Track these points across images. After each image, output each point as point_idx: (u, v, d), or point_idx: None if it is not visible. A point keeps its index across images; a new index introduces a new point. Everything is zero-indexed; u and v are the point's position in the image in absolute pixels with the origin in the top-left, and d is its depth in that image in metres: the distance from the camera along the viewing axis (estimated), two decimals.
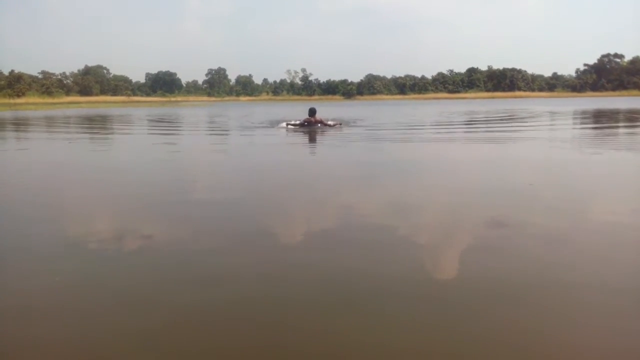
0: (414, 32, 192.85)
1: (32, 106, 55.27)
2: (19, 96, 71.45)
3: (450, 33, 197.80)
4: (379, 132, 14.14)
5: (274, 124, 17.75)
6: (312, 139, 11.89)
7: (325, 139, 11.80)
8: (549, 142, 10.63)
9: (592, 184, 5.88)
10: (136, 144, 12.63)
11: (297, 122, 14.97)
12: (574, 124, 18.35)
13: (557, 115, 23.24)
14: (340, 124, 15.53)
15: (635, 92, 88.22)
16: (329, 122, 14.95)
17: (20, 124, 21.42)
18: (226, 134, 14.87)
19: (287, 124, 14.99)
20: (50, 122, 22.70)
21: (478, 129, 15.75)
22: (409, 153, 9.32)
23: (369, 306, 2.48)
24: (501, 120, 20.35)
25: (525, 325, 2.29)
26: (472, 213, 4.39)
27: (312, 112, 14.74)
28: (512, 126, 16.49)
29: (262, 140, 12.39)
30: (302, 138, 12.20)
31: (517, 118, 21.24)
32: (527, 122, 18.57)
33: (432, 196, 5.24)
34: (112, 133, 16.27)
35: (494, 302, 2.55)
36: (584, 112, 26.57)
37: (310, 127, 14.34)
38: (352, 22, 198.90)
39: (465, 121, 20.09)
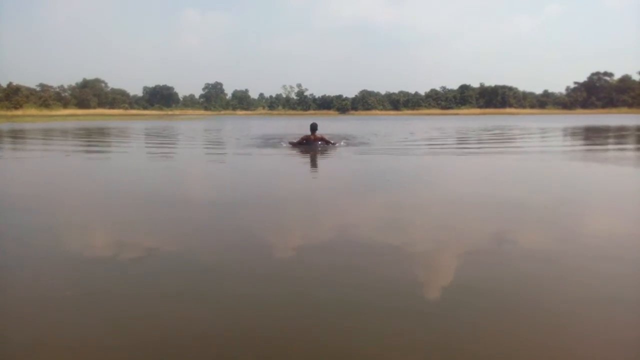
0: (408, 49, 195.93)
1: (29, 118, 55.77)
2: (16, 108, 72.07)
3: (444, 51, 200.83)
4: (400, 151, 13.12)
5: (269, 140, 16.82)
6: (313, 160, 10.62)
7: (328, 158, 10.97)
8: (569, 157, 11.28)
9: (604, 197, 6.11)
10: (136, 157, 12.82)
11: (295, 140, 13.76)
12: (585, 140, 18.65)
13: (558, 132, 23.51)
14: (345, 143, 14.10)
15: (624, 109, 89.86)
16: (332, 141, 13.60)
17: (17, 136, 21.62)
18: (222, 154, 13.55)
19: (289, 142, 13.89)
20: (48, 135, 22.96)
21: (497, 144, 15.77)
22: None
23: (358, 320, 2.52)
24: (520, 136, 20.26)
25: (517, 339, 2.34)
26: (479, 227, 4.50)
27: (313, 128, 13.15)
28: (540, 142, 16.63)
29: (259, 162, 10.78)
30: (300, 158, 11.09)
31: (536, 135, 21.16)
32: (547, 139, 18.78)
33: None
34: (110, 146, 16.44)
35: (487, 315, 2.59)
36: (586, 129, 26.74)
37: (310, 145, 12.88)
38: (347, 39, 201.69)
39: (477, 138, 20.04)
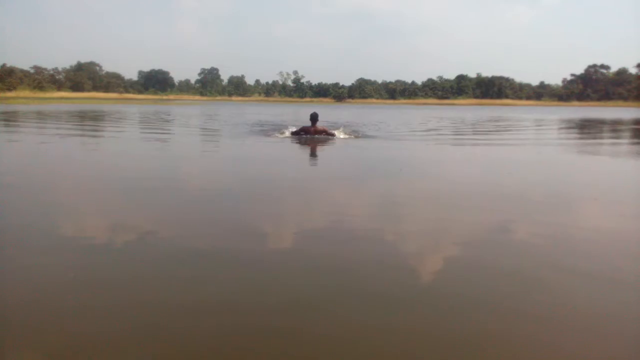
0: (406, 38, 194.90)
1: (22, 100, 55.36)
2: (9, 90, 71.47)
3: (441, 40, 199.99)
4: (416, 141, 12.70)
5: (262, 127, 16.16)
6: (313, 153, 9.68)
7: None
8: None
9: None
10: (131, 142, 12.79)
11: (293, 129, 12.67)
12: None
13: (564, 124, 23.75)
14: (344, 133, 12.79)
15: (620, 102, 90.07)
16: (334, 132, 12.33)
17: (10, 119, 21.51)
18: (215, 141, 13.00)
19: (288, 132, 12.69)
20: (42, 117, 22.85)
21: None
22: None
23: (355, 309, 2.53)
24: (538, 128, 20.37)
25: (513, 331, 2.34)
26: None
27: (314, 118, 11.91)
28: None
29: (253, 152, 10.23)
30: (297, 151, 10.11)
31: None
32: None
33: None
34: (104, 130, 16.38)
35: (480, 306, 2.60)
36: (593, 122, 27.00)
37: (308, 137, 11.77)
38: (345, 26, 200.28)
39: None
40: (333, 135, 12.08)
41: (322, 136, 11.82)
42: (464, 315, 2.48)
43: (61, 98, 68.02)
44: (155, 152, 10.21)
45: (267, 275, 3.01)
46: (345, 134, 12.84)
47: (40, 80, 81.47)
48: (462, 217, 4.56)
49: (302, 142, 11.17)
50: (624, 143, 14.07)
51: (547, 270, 3.11)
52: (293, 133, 12.30)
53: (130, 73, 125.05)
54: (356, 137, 12.76)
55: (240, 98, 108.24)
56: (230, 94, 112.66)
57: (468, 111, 46.99)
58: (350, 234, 3.95)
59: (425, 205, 5.09)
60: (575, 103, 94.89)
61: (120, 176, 6.77)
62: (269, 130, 15.15)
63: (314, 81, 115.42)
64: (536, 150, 10.72)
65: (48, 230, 3.99)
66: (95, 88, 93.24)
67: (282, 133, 12.86)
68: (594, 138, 15.64)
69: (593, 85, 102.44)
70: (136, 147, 11.14)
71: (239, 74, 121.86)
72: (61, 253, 3.40)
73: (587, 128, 21.09)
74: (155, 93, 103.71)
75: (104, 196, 5.38)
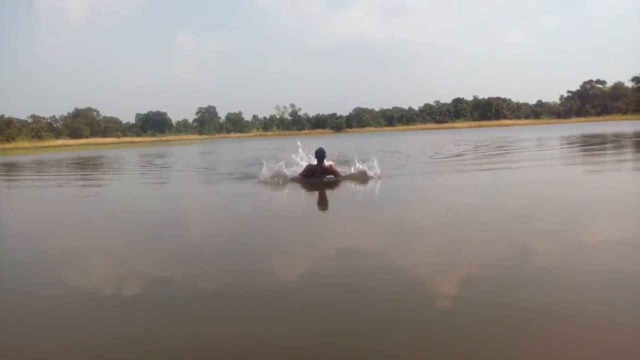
0: (400, 65, 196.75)
1: (21, 151, 55.21)
2: (8, 141, 71.45)
3: (436, 65, 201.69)
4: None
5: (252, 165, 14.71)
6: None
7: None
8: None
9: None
10: (128, 187, 12.42)
11: (293, 172, 10.09)
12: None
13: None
14: (373, 175, 9.60)
15: (618, 116, 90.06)
16: (344, 171, 9.91)
17: (11, 170, 21.33)
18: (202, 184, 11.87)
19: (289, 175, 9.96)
20: (41, 167, 22.55)
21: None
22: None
23: (371, 332, 2.56)
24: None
25: (527, 351, 2.35)
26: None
27: (320, 156, 9.60)
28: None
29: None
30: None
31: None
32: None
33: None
34: (102, 177, 16.03)
35: (495, 327, 2.62)
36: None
37: (315, 178, 9.57)
38: (339, 57, 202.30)
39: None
40: (342, 174, 9.70)
41: (333, 177, 9.55)
42: (483, 339, 2.48)
43: (60, 146, 67.83)
44: (159, 196, 9.39)
45: (284, 308, 3.00)
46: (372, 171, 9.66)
47: (39, 129, 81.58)
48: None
49: (308, 188, 9.02)
50: None
51: (566, 294, 3.07)
52: (297, 176, 9.84)
53: (128, 116, 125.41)
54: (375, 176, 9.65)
55: (238, 134, 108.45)
56: (228, 131, 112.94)
57: (471, 134, 46.39)
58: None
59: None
60: (575, 119, 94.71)
61: (123, 220, 6.65)
62: (255, 168, 12.57)
63: (311, 113, 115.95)
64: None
65: (52, 280, 3.96)
66: (93, 134, 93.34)
67: (268, 176, 9.94)
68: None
69: (591, 100, 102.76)
70: (140, 193, 10.37)
71: (236, 111, 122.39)
72: (71, 303, 3.36)
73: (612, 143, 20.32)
74: (153, 135, 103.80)
75: (108, 243, 5.28)
